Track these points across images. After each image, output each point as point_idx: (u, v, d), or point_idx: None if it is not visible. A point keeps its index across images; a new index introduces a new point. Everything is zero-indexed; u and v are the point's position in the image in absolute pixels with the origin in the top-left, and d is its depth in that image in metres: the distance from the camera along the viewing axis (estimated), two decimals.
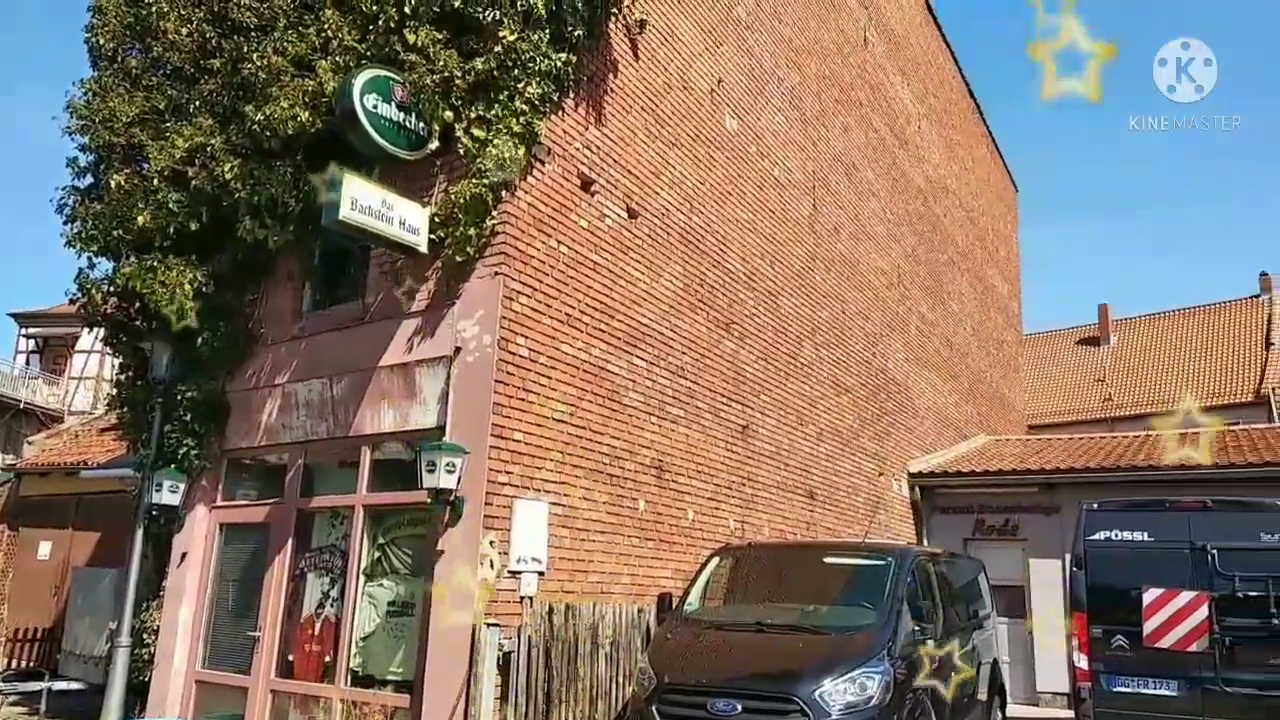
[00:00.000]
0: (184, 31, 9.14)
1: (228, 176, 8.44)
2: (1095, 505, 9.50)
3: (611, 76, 9.04)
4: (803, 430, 12.34)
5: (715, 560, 8.39)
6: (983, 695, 8.98)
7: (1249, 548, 8.51)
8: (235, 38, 8.69)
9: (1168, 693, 8.47)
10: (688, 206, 10.18)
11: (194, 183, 8.74)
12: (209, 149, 8.64)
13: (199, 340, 9.27)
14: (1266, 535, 8.54)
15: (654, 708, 6.57)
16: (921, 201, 17.45)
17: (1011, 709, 11.07)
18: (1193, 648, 8.41)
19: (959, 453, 17.26)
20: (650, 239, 9.49)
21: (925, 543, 15.20)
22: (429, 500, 7.18)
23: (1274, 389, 26.11)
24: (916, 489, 15.70)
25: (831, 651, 6.62)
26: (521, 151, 7.68)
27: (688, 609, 7.77)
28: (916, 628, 7.26)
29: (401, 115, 7.82)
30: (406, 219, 7.71)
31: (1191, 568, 8.64)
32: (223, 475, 9.67)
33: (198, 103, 8.97)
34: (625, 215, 9.12)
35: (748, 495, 10.87)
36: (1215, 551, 8.56)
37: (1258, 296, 35.16)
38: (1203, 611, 8.43)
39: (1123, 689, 8.64)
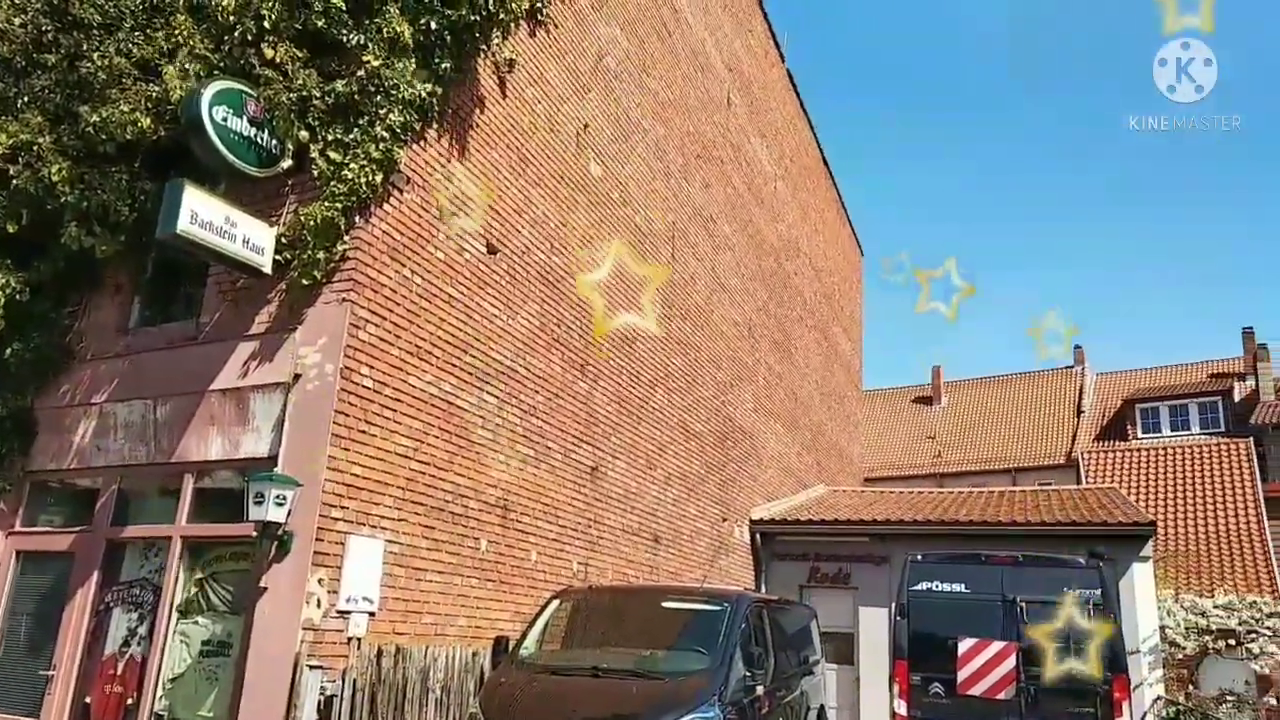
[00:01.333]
0: (17, 21, 8.53)
1: (55, 178, 7.89)
2: (919, 557, 10.01)
3: (478, 111, 9.02)
4: (651, 474, 12.47)
5: (555, 603, 8.31)
6: None
7: (1053, 601, 9.16)
8: (75, 33, 8.18)
9: None
10: (548, 246, 10.22)
11: (15, 182, 8.11)
12: (36, 147, 8.06)
13: (8, 350, 8.54)
14: (1070, 590, 9.21)
15: None
16: (774, 258, 18.14)
17: None
18: (1001, 695, 8.93)
19: (798, 501, 17.83)
20: (509, 276, 9.45)
21: (764, 588, 15.56)
22: (255, 534, 6.81)
23: (1082, 453, 28.34)
24: (757, 535, 16.09)
25: (664, 697, 6.64)
26: (379, 178, 7.54)
27: (524, 653, 7.64)
28: (748, 673, 7.38)
29: (253, 131, 7.54)
30: (251, 238, 7.39)
31: (1002, 619, 9.21)
32: (24, 499, 8.88)
33: (27, 98, 8.36)
34: (484, 250, 9.05)
35: (593, 537, 10.85)
36: (1024, 604, 9.16)
37: (1071, 368, 38.27)
38: (1011, 661, 8.97)
39: None
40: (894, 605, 9.99)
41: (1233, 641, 16.34)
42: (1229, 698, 13.38)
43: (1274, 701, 15.56)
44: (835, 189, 23.44)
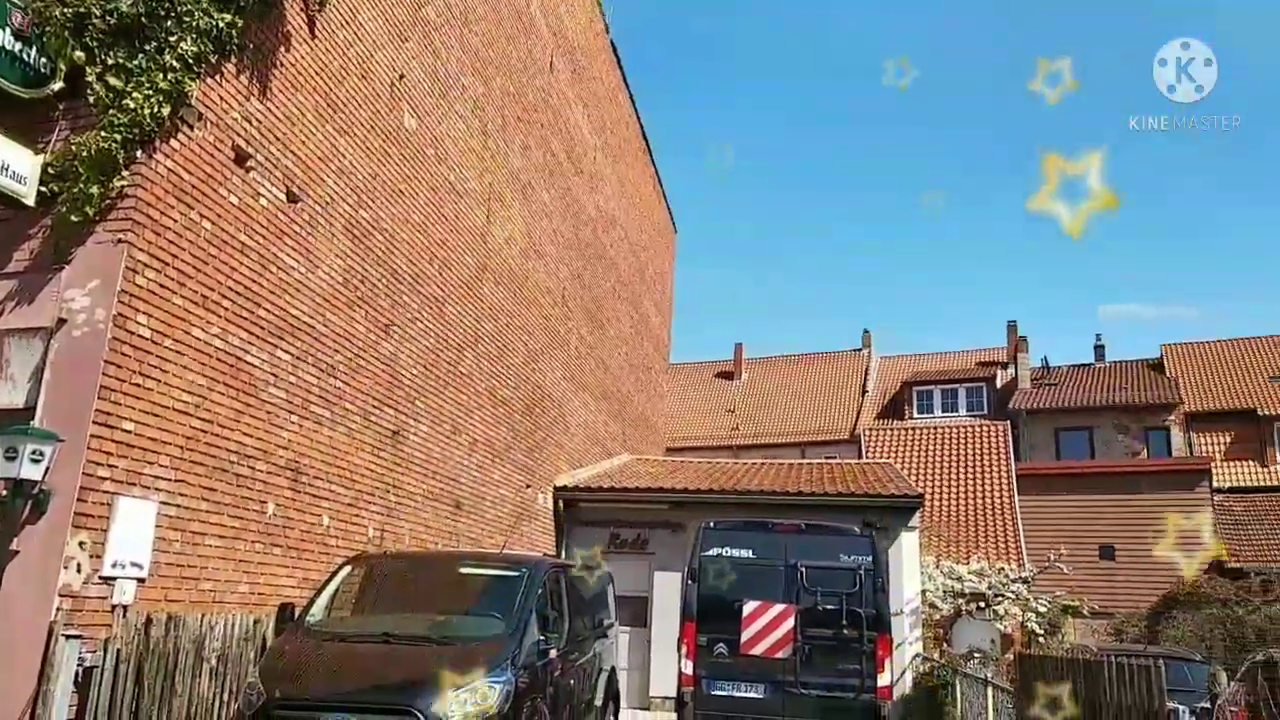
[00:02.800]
0: None
1: None
2: (711, 524, 10.45)
3: (283, 49, 8.47)
4: (456, 440, 12.30)
5: (347, 569, 8.07)
6: (599, 701, 9.45)
7: (830, 567, 9.83)
8: None
9: (756, 695, 9.50)
10: (355, 199, 9.79)
11: None
12: None
13: None
14: (845, 556, 9.91)
15: None
16: (591, 229, 18.23)
17: (625, 714, 11.77)
18: (780, 655, 9.52)
19: (603, 469, 18.14)
20: (310, 226, 8.98)
21: (565, 555, 15.76)
22: (4, 492, 6.17)
23: (864, 430, 30.45)
24: (560, 502, 16.25)
25: (456, 662, 6.61)
26: (167, 111, 6.94)
27: (310, 620, 7.38)
28: (543, 637, 7.49)
29: (19, 46, 6.73)
30: (11, 164, 6.63)
31: (784, 583, 9.79)
32: None
33: None
34: (284, 198, 8.55)
35: (392, 503, 10.59)
36: (804, 569, 9.77)
37: (859, 351, 40.96)
38: (790, 622, 9.56)
39: (719, 692, 9.56)
40: (686, 570, 10.39)
41: (983, 604, 18.12)
42: (976, 654, 14.85)
43: (1012, 657, 17.45)
44: (653, 165, 23.79)
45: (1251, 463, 29.76)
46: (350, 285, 9.69)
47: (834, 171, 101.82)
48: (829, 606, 9.63)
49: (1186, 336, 38.52)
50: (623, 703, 11.30)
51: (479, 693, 6.35)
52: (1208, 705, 9.48)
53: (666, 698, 13.95)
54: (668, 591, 15.08)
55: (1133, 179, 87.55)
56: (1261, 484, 28.33)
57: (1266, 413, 30.06)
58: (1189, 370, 33.20)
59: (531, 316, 15.08)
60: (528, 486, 14.95)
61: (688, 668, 9.69)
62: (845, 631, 9.55)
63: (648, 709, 14.97)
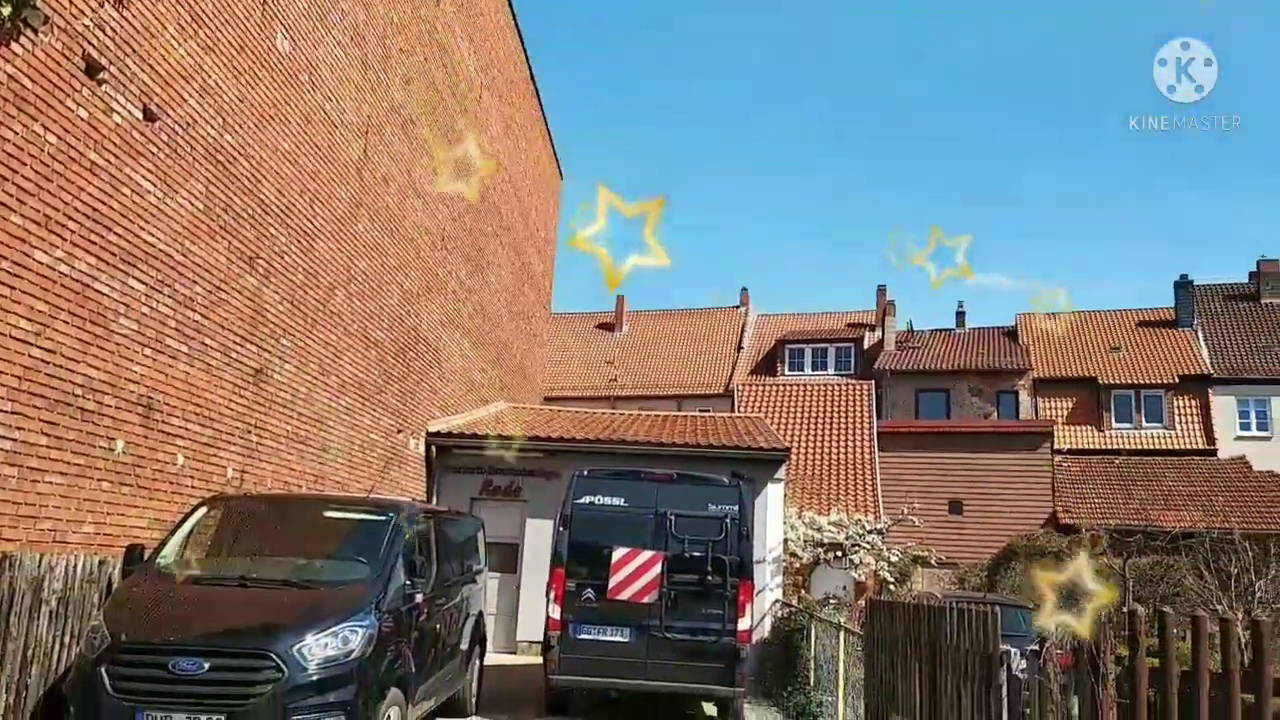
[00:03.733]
0: None
1: None
2: (585, 472, 10.53)
3: None
4: (324, 381, 11.91)
5: (203, 510, 7.75)
6: (465, 645, 9.46)
7: (699, 515, 10.08)
8: None
9: (621, 639, 9.71)
10: (220, 122, 9.22)
11: None
12: None
13: None
14: (713, 506, 10.18)
15: (103, 669, 5.89)
16: (474, 169, 17.78)
17: (491, 657, 11.84)
18: (646, 600, 9.73)
19: (478, 416, 17.97)
20: (169, 148, 8.42)
21: (435, 500, 15.59)
22: None
23: (738, 385, 31.19)
24: (433, 448, 16.03)
25: (316, 606, 6.49)
26: (7, 11, 6.32)
27: (161, 562, 7.07)
28: (409, 582, 7.41)
29: None
30: None
31: (654, 531, 9.98)
32: None
33: None
34: (140, 116, 7.96)
35: (253, 444, 10.19)
36: (673, 517, 9.98)
37: (737, 308, 41.77)
38: (657, 568, 9.78)
39: (585, 636, 9.72)
40: (558, 517, 10.45)
41: (840, 554, 19.02)
42: (831, 600, 15.62)
43: (864, 604, 18.43)
44: (540, 109, 23.35)
45: (1090, 427, 32.07)
46: (212, 213, 9.16)
47: (721, 124, 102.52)
48: (696, 554, 9.89)
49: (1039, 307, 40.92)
50: (489, 646, 11.36)
51: (340, 636, 6.25)
52: (1036, 648, 10.27)
53: (534, 642, 14.08)
54: (540, 538, 15.15)
55: (1012, 165, 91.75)
56: (1097, 447, 30.62)
57: (1105, 381, 32.38)
58: (1040, 339, 35.32)
59: (408, 257, 14.67)
60: (399, 431, 14.67)
61: (555, 612, 9.80)
62: (710, 578, 9.84)
63: (515, 653, 15.10)
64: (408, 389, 14.98)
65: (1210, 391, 31.75)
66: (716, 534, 9.95)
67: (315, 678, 6.01)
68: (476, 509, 15.03)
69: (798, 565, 18.43)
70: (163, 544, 7.31)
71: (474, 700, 9.93)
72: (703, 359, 38.75)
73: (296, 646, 6.04)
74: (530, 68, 21.79)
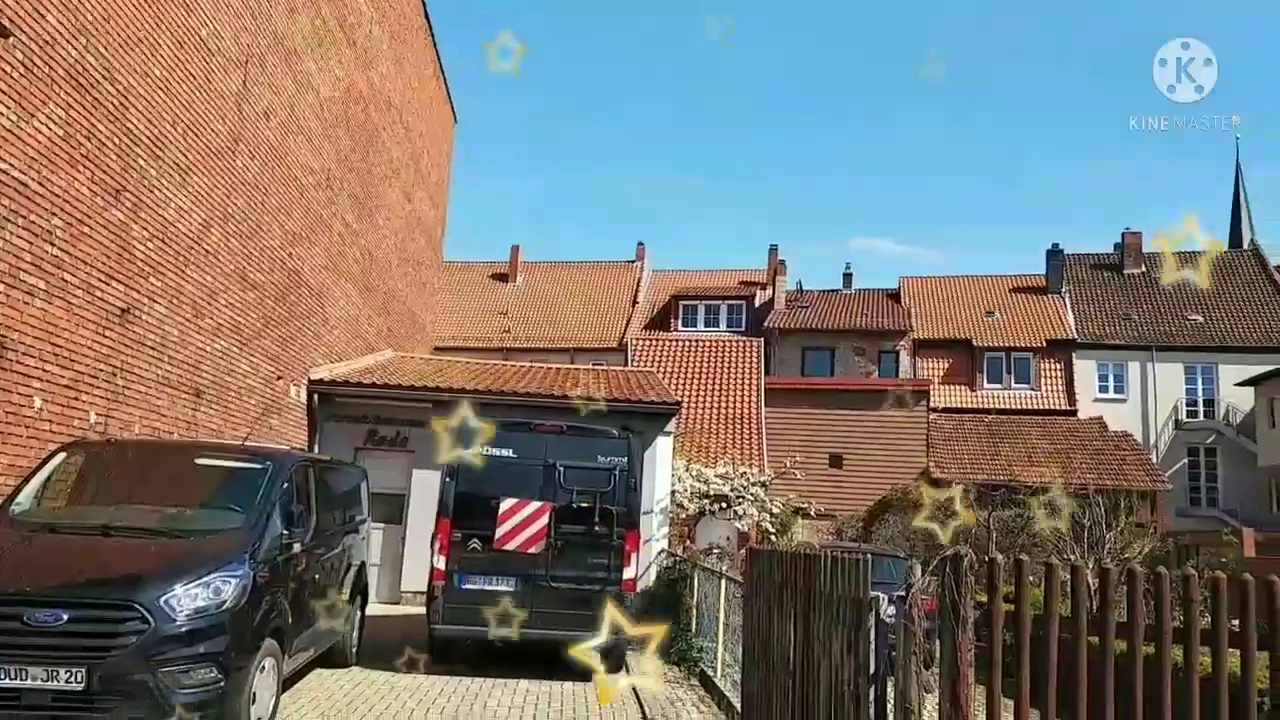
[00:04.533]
0: None
1: None
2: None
3: None
4: (198, 323, 11.35)
5: (61, 456, 7.33)
6: (346, 595, 9.29)
7: (587, 467, 10.13)
8: None
9: (506, 588, 9.73)
10: (82, 42, 8.55)
11: None
12: None
13: None
14: (602, 458, 10.25)
15: None
16: (362, 108, 17.11)
17: (374, 608, 11.69)
18: (533, 550, 9.77)
19: (364, 364, 17.51)
20: (25, 68, 7.77)
21: (317, 450, 15.17)
22: None
23: (632, 340, 31.36)
24: (315, 396, 15.55)
25: (186, 555, 6.25)
26: None
27: (15, 510, 6.67)
28: (286, 531, 7.21)
29: None
30: None
31: (543, 482, 10.00)
32: None
33: None
34: None
35: (119, 387, 9.66)
36: (562, 469, 10.01)
37: (633, 263, 41.80)
38: (544, 519, 9.81)
39: (470, 586, 9.71)
40: (446, 468, 10.33)
41: (725, 505, 19.50)
42: (715, 550, 16.03)
43: (744, 554, 18.98)
44: (435, 48, 22.57)
45: (964, 387, 33.66)
46: (73, 141, 8.53)
47: (620, 78, 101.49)
48: (584, 504, 9.96)
49: (923, 271, 42.47)
50: (372, 596, 11.21)
51: (211, 587, 6.03)
52: (903, 594, 10.80)
53: (419, 593, 13.96)
54: (427, 490, 14.93)
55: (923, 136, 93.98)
56: (970, 406, 32.18)
57: (980, 344, 33.96)
58: (921, 301, 36.67)
59: (291, 196, 14.05)
60: (279, 378, 14.16)
61: (439, 563, 9.73)
62: (597, 528, 9.94)
63: (399, 603, 14.96)
64: (289, 334, 14.45)
65: (1074, 356, 33.71)
66: (605, 485, 10.03)
67: (185, 629, 5.79)
68: (361, 459, 14.69)
69: (684, 516, 18.81)
70: (16, 491, 6.89)
71: (354, 650, 9.80)
72: (598, 313, 38.71)
73: (164, 597, 5.80)
74: (425, 6, 21.00)
